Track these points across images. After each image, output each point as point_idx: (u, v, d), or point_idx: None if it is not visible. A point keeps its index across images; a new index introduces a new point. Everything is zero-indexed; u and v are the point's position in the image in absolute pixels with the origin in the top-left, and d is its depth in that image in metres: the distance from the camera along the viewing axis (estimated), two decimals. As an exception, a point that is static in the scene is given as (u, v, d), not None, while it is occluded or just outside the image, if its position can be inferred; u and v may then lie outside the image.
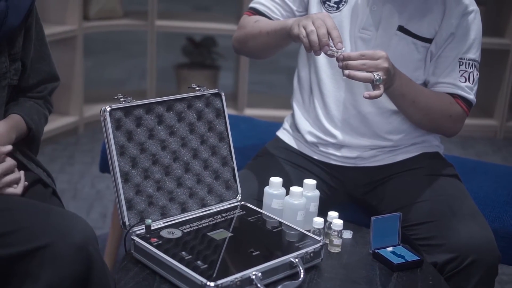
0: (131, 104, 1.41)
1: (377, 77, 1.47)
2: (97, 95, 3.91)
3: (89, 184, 3.01)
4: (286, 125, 1.86)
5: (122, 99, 1.40)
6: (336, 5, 1.65)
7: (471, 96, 1.67)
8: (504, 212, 1.77)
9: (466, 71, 1.65)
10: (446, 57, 1.66)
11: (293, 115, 1.82)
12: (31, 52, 1.55)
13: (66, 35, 3.35)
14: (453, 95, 1.66)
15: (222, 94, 1.55)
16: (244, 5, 3.62)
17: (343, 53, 1.48)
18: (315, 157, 1.76)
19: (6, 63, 1.49)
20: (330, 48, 1.47)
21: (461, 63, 1.65)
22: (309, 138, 1.75)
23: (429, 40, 1.64)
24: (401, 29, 1.63)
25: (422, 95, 1.63)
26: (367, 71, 1.47)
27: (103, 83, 4.56)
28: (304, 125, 1.76)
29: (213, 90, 1.54)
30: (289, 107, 1.87)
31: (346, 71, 1.47)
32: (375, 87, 1.49)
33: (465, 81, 1.66)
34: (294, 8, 1.72)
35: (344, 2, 1.64)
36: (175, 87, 4.02)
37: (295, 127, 1.81)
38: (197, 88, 1.53)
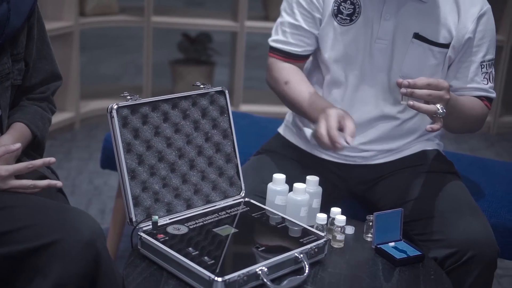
0: (137, 102, 1.42)
1: (441, 111, 1.47)
2: (93, 91, 3.92)
3: (87, 180, 3.02)
4: (288, 121, 1.87)
5: (128, 97, 1.41)
6: (349, 18, 1.64)
7: (493, 94, 1.71)
8: (501, 207, 1.80)
9: (487, 72, 1.68)
10: (468, 62, 1.67)
11: (294, 115, 1.83)
12: (33, 52, 1.56)
13: (62, 31, 3.35)
14: (480, 97, 1.69)
15: (226, 91, 1.57)
16: (239, 0, 3.63)
17: (409, 80, 1.47)
18: (316, 154, 1.78)
19: (9, 63, 1.49)
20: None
21: (482, 66, 1.67)
22: (312, 140, 1.77)
23: (446, 46, 1.65)
24: (417, 36, 1.63)
25: (463, 110, 1.63)
26: (431, 102, 1.48)
27: (98, 79, 4.56)
28: (307, 129, 1.78)
29: (217, 87, 1.56)
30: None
31: (411, 102, 1.46)
32: (435, 119, 1.49)
33: (487, 82, 1.69)
34: (315, 32, 1.71)
35: (357, 13, 1.63)
36: (171, 83, 4.03)
37: (296, 125, 1.83)
38: (202, 86, 1.55)
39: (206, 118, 1.54)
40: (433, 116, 1.48)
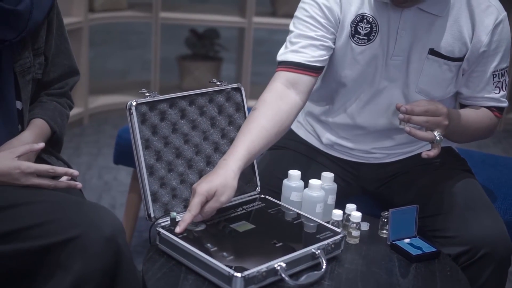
0: (155, 98, 1.43)
1: (438, 138, 1.49)
2: (101, 86, 3.93)
3: (97, 175, 3.04)
4: (300, 119, 1.88)
5: (147, 94, 1.42)
6: (366, 37, 1.60)
7: (505, 104, 1.69)
8: (514, 204, 1.81)
9: (499, 81, 1.66)
10: (480, 72, 1.65)
11: (306, 114, 1.84)
12: (52, 46, 1.57)
13: (72, 27, 3.36)
14: (490, 107, 1.69)
15: (242, 88, 1.58)
16: (246, -4, 3.64)
17: (406, 105, 1.48)
18: (329, 152, 1.79)
19: (30, 57, 1.51)
20: None
21: (494, 76, 1.65)
22: (325, 140, 1.78)
23: (461, 59, 1.62)
24: (432, 52, 1.60)
25: (468, 126, 1.64)
26: (428, 128, 1.49)
27: (106, 74, 4.57)
28: (320, 131, 1.79)
29: (234, 84, 1.57)
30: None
31: (407, 128, 1.48)
32: (432, 145, 1.51)
33: (499, 91, 1.67)
34: (331, 38, 1.62)
35: (374, 32, 1.59)
36: (178, 79, 4.04)
37: (308, 123, 1.83)
38: (218, 83, 1.56)
39: (222, 114, 1.55)
40: (430, 142, 1.50)
